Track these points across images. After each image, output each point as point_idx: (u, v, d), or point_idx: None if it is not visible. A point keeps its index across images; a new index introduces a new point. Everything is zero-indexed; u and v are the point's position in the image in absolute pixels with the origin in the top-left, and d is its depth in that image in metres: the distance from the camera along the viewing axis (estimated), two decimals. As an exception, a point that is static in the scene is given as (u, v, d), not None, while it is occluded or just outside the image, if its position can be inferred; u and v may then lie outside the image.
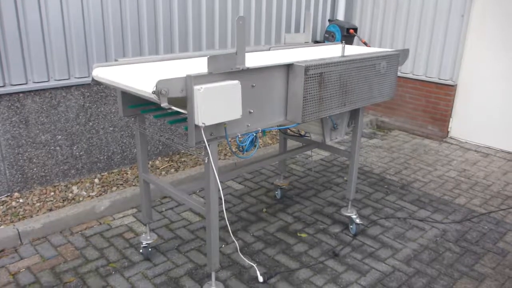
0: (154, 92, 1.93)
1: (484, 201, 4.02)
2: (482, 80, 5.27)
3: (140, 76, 2.20)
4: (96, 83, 2.51)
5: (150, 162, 4.42)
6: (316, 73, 2.46)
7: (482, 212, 3.81)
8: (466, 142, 5.54)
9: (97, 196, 3.71)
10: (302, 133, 3.66)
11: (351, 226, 3.40)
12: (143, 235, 3.02)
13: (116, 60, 2.59)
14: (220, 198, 2.46)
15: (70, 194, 3.72)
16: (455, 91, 5.50)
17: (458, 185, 4.34)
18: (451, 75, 5.43)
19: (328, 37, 5.62)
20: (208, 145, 2.18)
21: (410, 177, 4.51)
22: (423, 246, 3.27)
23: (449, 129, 5.66)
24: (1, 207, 3.46)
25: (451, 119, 5.61)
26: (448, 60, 5.41)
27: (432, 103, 5.68)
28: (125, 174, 4.15)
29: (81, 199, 3.66)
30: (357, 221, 3.35)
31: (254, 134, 2.47)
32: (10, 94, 3.46)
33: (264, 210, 3.76)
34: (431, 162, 4.94)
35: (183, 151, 4.72)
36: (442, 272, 2.97)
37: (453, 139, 5.64)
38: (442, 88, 5.55)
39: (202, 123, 2.02)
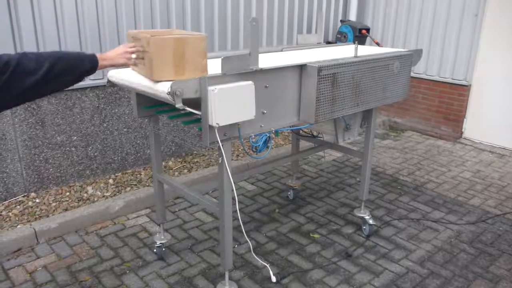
0: (168, 93, 1.96)
1: (499, 202, 3.98)
2: (496, 80, 5.21)
3: (154, 78, 2.22)
4: (111, 84, 2.54)
5: (163, 163, 4.45)
6: (329, 74, 2.46)
7: (497, 213, 3.77)
8: (480, 142, 5.48)
9: (111, 197, 3.75)
10: (315, 133, 3.67)
11: (364, 227, 3.39)
12: (157, 235, 3.05)
13: (130, 62, 2.61)
14: (234, 199, 2.47)
15: (85, 194, 3.77)
16: (469, 91, 5.44)
17: (472, 186, 4.30)
18: (464, 75, 5.38)
19: (340, 38, 5.61)
20: (222, 145, 2.20)
21: (424, 178, 4.48)
22: (437, 247, 3.25)
23: (463, 130, 5.60)
24: (18, 206, 3.52)
25: (465, 120, 5.56)
26: (461, 60, 5.36)
27: (446, 103, 5.63)
28: (138, 175, 4.19)
29: (95, 199, 3.71)
30: (370, 222, 3.34)
31: (268, 135, 2.48)
32: (27, 95, 3.51)
33: (277, 210, 3.77)
34: (445, 163, 4.90)
35: (195, 152, 4.75)
36: (457, 274, 2.95)
37: (467, 139, 5.59)
38: (455, 88, 5.50)
39: (216, 123, 2.03)
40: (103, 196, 3.76)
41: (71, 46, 3.66)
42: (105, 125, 4.02)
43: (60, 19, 3.56)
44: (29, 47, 3.41)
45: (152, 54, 2.03)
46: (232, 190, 2.35)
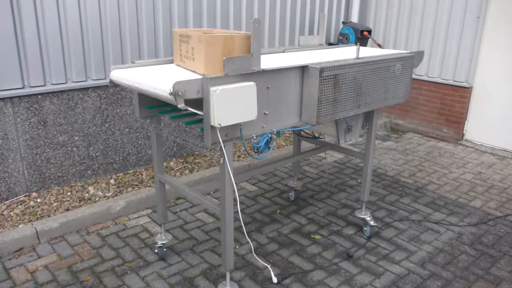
0: (171, 94, 1.96)
1: (500, 204, 3.98)
2: (498, 82, 5.21)
3: (156, 78, 2.23)
4: (114, 84, 2.56)
5: (164, 164, 4.46)
6: (330, 75, 2.47)
7: (498, 215, 3.77)
8: (481, 144, 5.48)
9: (112, 197, 3.76)
10: (316, 134, 3.67)
11: (365, 228, 3.40)
12: (158, 235, 3.05)
13: (133, 62, 2.63)
14: (235, 199, 2.48)
15: (87, 194, 3.78)
16: (471, 93, 5.44)
17: (473, 188, 4.30)
18: (466, 77, 5.38)
19: (342, 39, 5.62)
20: (224, 146, 2.20)
21: (425, 180, 4.48)
22: (438, 249, 3.25)
23: (464, 132, 5.60)
24: (20, 206, 3.52)
25: (466, 122, 5.56)
26: (463, 62, 5.36)
27: (447, 105, 5.63)
28: (140, 175, 4.20)
29: (97, 199, 3.71)
30: (371, 223, 3.34)
31: (269, 135, 2.48)
32: (29, 95, 3.53)
33: (278, 211, 3.77)
34: (446, 164, 4.90)
35: (197, 153, 4.76)
36: (458, 275, 2.95)
37: (469, 141, 5.59)
38: (457, 90, 5.50)
39: (218, 124, 2.04)
40: (105, 196, 3.76)
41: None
42: (107, 125, 4.03)
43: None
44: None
45: (204, 51, 2.12)
46: (234, 191, 2.35)
